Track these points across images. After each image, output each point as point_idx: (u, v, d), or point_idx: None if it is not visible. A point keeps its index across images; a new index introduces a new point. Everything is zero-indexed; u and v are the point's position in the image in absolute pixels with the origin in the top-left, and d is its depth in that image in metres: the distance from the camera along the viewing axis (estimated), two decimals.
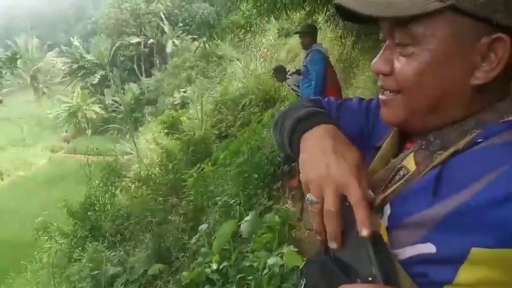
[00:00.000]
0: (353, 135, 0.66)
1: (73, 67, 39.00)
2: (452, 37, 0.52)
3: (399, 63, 0.57)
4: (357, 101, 0.80)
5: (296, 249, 2.99)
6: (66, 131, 29.97)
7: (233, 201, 4.56)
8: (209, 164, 6.79)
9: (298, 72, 4.82)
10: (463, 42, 0.52)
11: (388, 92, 0.61)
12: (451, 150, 0.54)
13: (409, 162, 0.60)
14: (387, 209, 0.59)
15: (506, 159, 0.49)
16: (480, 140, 0.53)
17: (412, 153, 0.60)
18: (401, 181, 0.59)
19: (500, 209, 0.46)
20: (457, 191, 0.50)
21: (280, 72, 5.26)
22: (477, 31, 0.51)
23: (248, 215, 4.00)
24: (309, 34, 4.12)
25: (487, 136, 0.52)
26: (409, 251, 0.53)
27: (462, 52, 0.52)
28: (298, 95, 4.87)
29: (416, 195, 0.55)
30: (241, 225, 3.86)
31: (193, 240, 4.58)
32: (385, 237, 0.57)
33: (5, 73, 14.16)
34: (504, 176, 0.47)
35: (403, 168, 0.61)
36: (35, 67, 41.22)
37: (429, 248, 0.51)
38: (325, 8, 5.00)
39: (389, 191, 0.60)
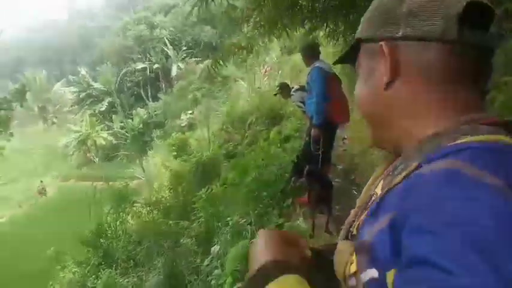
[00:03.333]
0: None
1: (81, 96, 39.63)
2: (365, 57, 0.65)
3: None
4: None
5: None
6: (41, 181, 29.21)
7: (244, 220, 4.53)
8: (218, 184, 6.79)
9: (302, 88, 4.85)
10: (371, 59, 0.63)
11: None
12: (400, 176, 0.54)
13: (379, 188, 0.63)
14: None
15: (403, 198, 0.48)
16: (422, 165, 0.51)
17: (383, 179, 0.64)
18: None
19: None
20: (381, 218, 0.50)
21: (284, 89, 5.30)
22: (375, 47, 0.61)
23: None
24: (309, 51, 4.17)
25: (429, 160, 0.50)
26: (364, 276, 0.53)
27: (372, 65, 0.63)
28: (303, 111, 4.89)
29: (367, 220, 0.57)
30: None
31: (206, 262, 4.55)
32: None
33: (15, 106, 14.44)
34: (392, 222, 0.47)
35: (375, 194, 0.63)
36: (44, 98, 42.00)
37: (373, 273, 0.50)
38: (325, 25, 5.06)
39: (362, 216, 0.62)
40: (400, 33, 0.57)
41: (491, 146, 0.48)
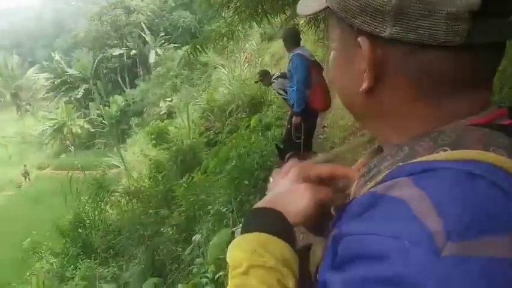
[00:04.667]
0: None
1: (55, 82, 38.50)
2: (340, 37, 0.52)
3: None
4: None
5: None
6: (25, 165, 29.75)
7: (225, 209, 4.52)
8: (199, 172, 6.74)
9: (282, 75, 4.82)
10: (347, 44, 0.50)
11: None
12: (366, 188, 0.49)
13: (351, 191, 0.56)
14: None
15: (348, 219, 0.44)
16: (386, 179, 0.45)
17: (357, 179, 0.55)
18: None
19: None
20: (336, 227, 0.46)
21: (265, 77, 5.26)
22: (352, 34, 0.48)
23: (241, 222, 3.96)
24: (291, 38, 4.14)
25: (391, 177, 0.43)
26: (319, 278, 0.48)
27: (349, 54, 0.50)
28: (284, 99, 4.87)
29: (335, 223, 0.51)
30: (235, 233, 3.82)
31: (187, 251, 4.52)
32: None
33: None
34: (335, 235, 0.44)
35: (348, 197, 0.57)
36: (16, 84, 40.61)
37: (323, 278, 0.46)
38: None
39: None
40: (386, 33, 0.44)
41: (466, 169, 0.39)
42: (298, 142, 4.12)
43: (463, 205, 0.36)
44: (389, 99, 0.48)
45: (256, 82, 5.74)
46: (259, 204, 0.56)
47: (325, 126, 6.33)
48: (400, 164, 0.45)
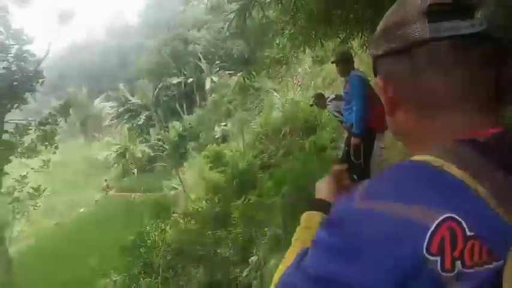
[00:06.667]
0: None
1: (119, 110, 41.12)
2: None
3: None
4: None
5: None
6: (105, 180, 31.50)
7: (281, 231, 4.53)
8: (255, 195, 6.83)
9: (337, 97, 4.83)
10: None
11: None
12: None
13: None
14: None
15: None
16: None
17: None
18: None
19: None
20: None
21: (319, 99, 5.30)
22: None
23: None
24: (344, 61, 4.16)
25: None
26: None
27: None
28: (340, 121, 4.86)
29: None
30: None
31: (245, 273, 4.57)
32: None
33: (60, 121, 15.21)
34: None
35: None
36: (84, 113, 43.91)
37: None
38: (360, 34, 5.04)
39: None
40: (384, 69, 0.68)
41: (412, 166, 0.57)
42: (359, 163, 4.07)
43: (381, 182, 0.56)
44: (404, 122, 0.67)
45: (311, 105, 5.77)
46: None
47: (383, 148, 6.19)
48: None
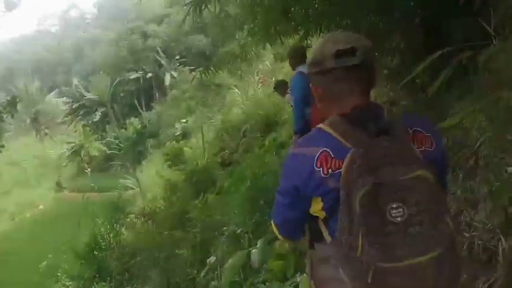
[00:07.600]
0: None
1: (73, 106, 39.41)
2: None
3: None
4: None
5: None
6: (58, 177, 30.42)
7: (240, 230, 4.45)
8: (213, 193, 6.71)
9: None
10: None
11: None
12: None
13: None
14: None
15: None
16: None
17: None
18: None
19: None
20: None
21: (280, 87, 5.26)
22: None
23: (257, 243, 3.88)
24: (296, 57, 4.06)
25: None
26: None
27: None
28: None
29: None
30: (251, 255, 3.74)
31: (203, 273, 4.46)
32: None
33: (6, 117, 14.22)
34: None
35: None
36: (35, 109, 41.68)
37: None
38: (319, 31, 5.04)
39: None
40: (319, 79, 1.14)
41: (315, 129, 1.12)
42: None
43: (302, 138, 1.19)
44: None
45: (273, 92, 5.71)
46: None
47: None
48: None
